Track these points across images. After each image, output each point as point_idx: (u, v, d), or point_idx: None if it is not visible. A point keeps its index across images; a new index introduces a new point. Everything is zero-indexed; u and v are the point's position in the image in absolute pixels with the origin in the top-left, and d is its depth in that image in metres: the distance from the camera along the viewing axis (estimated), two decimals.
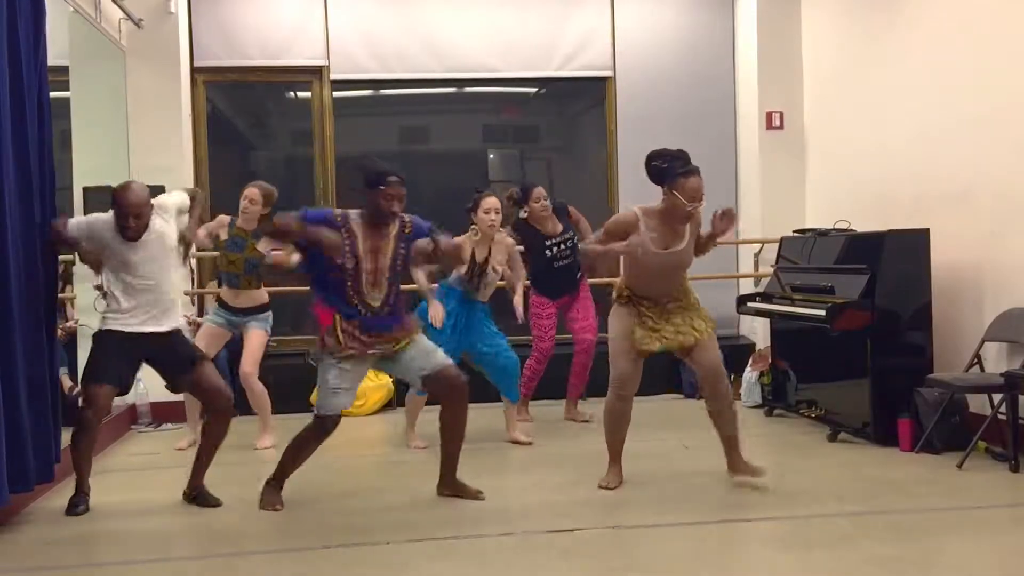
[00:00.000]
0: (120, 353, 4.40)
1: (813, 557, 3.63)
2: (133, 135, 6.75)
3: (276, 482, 4.44)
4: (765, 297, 6.51)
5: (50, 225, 4.42)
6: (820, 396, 6.07)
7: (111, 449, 5.92)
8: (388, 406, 7.09)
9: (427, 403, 5.51)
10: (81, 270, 6.15)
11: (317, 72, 7.76)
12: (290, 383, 6.47)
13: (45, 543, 4.01)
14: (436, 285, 5.47)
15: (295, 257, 4.27)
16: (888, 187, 6.39)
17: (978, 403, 5.25)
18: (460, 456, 4.51)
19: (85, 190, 6.04)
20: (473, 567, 3.60)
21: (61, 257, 4.96)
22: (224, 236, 5.75)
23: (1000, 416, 4.95)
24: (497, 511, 4.29)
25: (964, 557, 3.63)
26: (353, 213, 4.26)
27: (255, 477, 4.61)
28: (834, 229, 6.32)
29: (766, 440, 5.81)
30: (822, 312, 5.54)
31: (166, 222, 4.50)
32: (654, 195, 4.50)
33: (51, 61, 4.70)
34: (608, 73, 7.98)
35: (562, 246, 6.24)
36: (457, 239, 4.97)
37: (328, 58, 7.71)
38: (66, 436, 4.48)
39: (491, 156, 8.46)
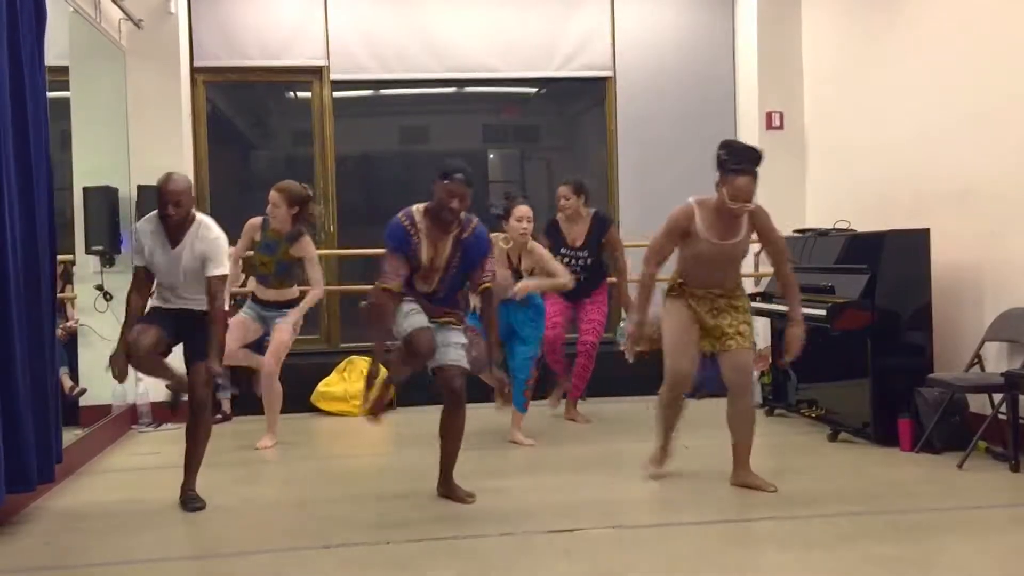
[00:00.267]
0: (164, 319, 4.52)
1: (813, 557, 3.63)
2: (133, 135, 6.74)
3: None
4: (765, 297, 6.50)
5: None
6: (820, 396, 6.07)
7: (111, 449, 5.92)
8: (388, 406, 7.08)
9: (430, 402, 5.49)
10: (81, 270, 6.16)
11: (317, 72, 7.76)
12: (290, 383, 6.46)
13: (45, 543, 4.01)
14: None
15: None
16: (888, 187, 6.39)
17: (978, 403, 5.24)
18: (461, 456, 4.50)
19: (85, 190, 6.03)
20: (473, 567, 3.59)
21: (61, 257, 4.95)
22: (258, 237, 5.72)
23: (1000, 416, 4.95)
24: (497, 511, 4.28)
25: (964, 557, 3.62)
26: (417, 211, 4.37)
27: (255, 477, 4.60)
28: (834, 229, 6.32)
29: (766, 440, 5.79)
30: (822, 312, 5.53)
31: (203, 243, 4.46)
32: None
33: (51, 61, 4.70)
34: (608, 73, 7.97)
35: (572, 261, 6.13)
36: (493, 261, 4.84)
37: (328, 58, 7.71)
38: (66, 436, 4.47)
39: (491, 156, 8.46)
